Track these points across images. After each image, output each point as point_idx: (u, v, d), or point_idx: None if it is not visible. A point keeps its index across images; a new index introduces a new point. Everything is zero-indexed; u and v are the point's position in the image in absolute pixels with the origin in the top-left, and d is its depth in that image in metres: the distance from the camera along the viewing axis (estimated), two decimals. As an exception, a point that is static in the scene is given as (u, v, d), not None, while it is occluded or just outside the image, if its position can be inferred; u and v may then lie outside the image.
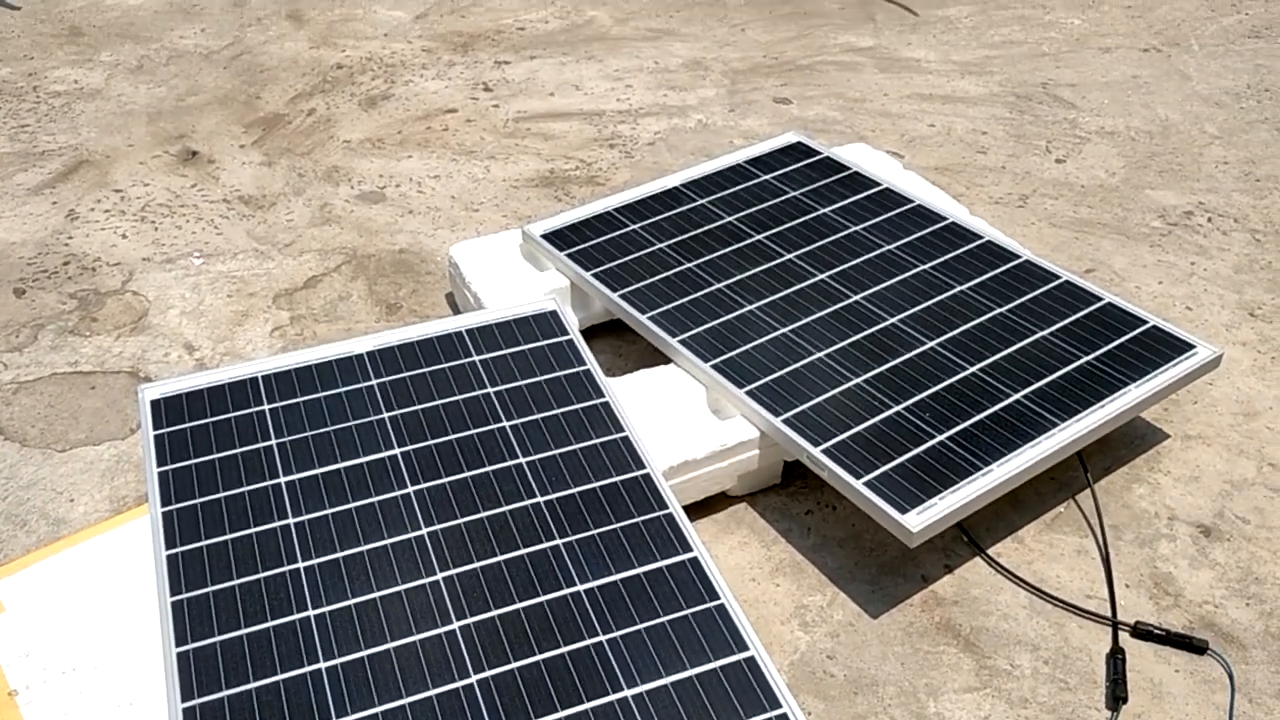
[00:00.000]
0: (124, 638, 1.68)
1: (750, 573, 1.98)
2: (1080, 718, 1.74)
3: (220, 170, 3.17)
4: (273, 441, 1.95)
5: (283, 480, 1.88)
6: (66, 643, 1.67)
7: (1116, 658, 1.82)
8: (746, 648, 1.60)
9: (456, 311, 2.61)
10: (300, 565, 1.73)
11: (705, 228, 2.54)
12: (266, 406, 2.02)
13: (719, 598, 1.67)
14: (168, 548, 1.76)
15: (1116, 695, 1.76)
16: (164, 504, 1.84)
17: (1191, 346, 2.15)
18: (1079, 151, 3.27)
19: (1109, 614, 1.90)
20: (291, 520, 1.81)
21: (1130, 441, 2.25)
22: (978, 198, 3.06)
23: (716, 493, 2.09)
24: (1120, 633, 1.88)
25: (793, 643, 1.86)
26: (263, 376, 2.08)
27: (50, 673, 1.62)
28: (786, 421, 1.99)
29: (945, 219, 2.54)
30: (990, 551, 2.02)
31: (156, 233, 2.90)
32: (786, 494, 2.14)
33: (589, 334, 2.50)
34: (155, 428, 1.98)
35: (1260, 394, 2.38)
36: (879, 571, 1.99)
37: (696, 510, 2.09)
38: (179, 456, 1.92)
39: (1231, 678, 1.81)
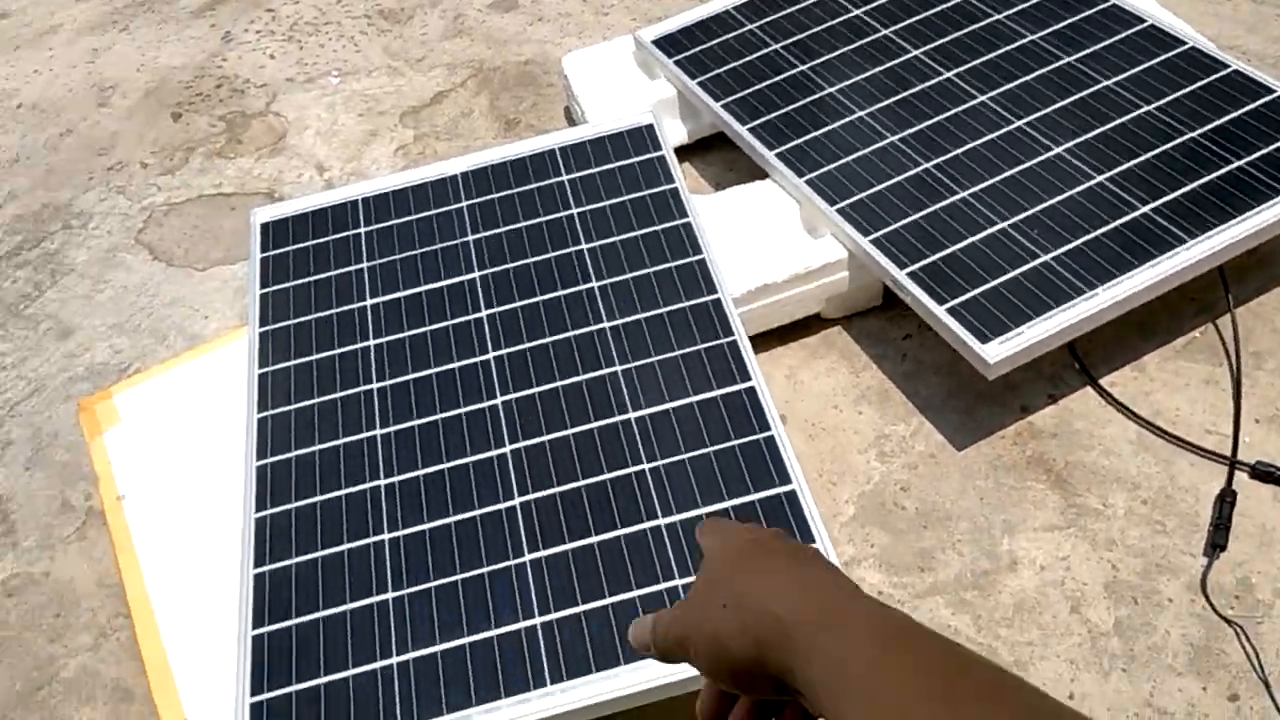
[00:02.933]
0: (222, 451, 1.83)
1: (834, 399, 1.91)
2: (1170, 563, 1.61)
3: (364, -17, 3.18)
4: (365, 264, 2.01)
5: (369, 303, 1.94)
6: (171, 453, 1.83)
7: (1225, 500, 1.65)
8: (789, 481, 1.56)
9: (573, 125, 2.55)
10: (374, 386, 1.81)
11: (828, 24, 2.34)
12: (363, 229, 2.07)
13: (769, 429, 1.63)
14: (259, 367, 1.87)
15: (1215, 542, 1.61)
16: (261, 325, 1.94)
17: (1378, 147, 1.83)
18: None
19: (1228, 452, 1.72)
20: (371, 343, 1.87)
21: (1296, 257, 1.97)
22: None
23: (807, 315, 2.00)
24: (1237, 473, 1.70)
25: (866, 473, 1.79)
26: (364, 199, 2.13)
27: (155, 481, 1.79)
28: (875, 242, 1.86)
29: (1105, 1, 2.22)
30: (1105, 381, 1.85)
31: (301, 52, 2.97)
32: (886, 317, 2.02)
33: (703, 147, 2.40)
34: (262, 250, 2.08)
35: None
36: (974, 401, 1.87)
37: (788, 333, 2.01)
38: (280, 278, 2.02)
39: (1366, 528, 1.61)
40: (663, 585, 1.48)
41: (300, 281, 2.00)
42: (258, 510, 1.66)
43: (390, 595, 1.54)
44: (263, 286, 2.01)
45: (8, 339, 2.31)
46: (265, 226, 2.11)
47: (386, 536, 1.60)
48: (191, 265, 2.40)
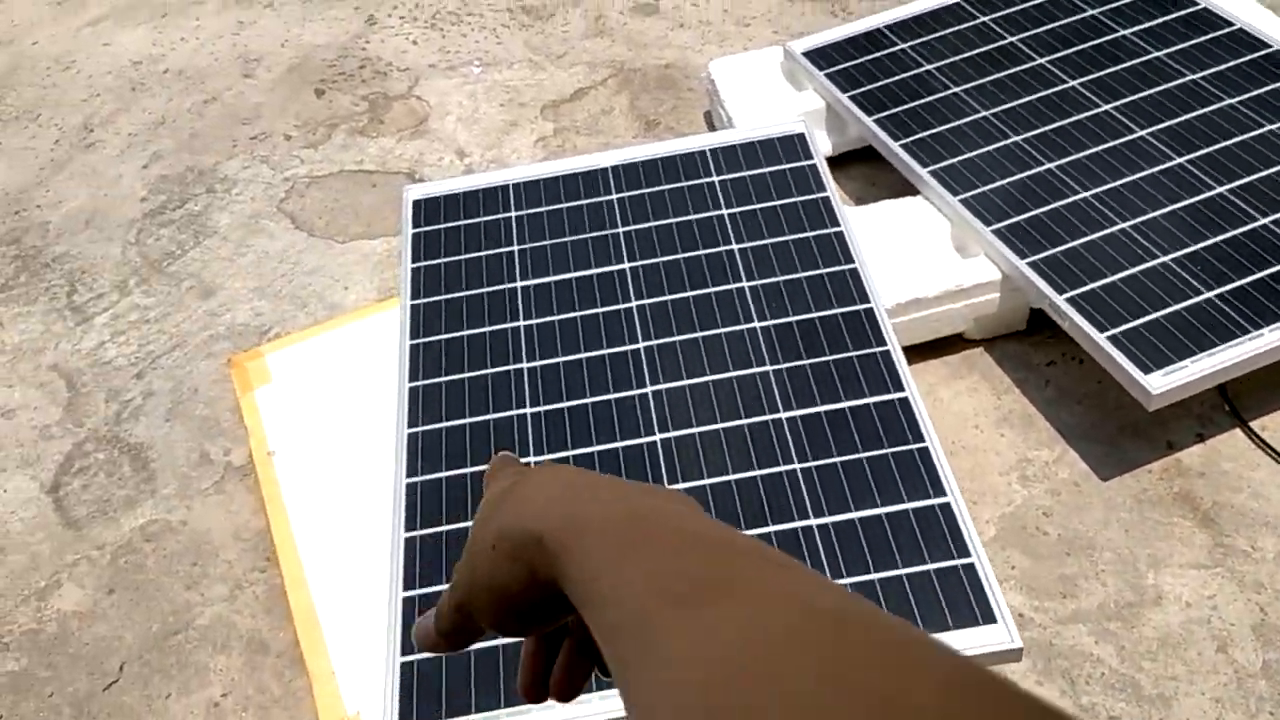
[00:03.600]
0: (370, 416, 1.86)
1: (975, 420, 1.90)
2: (1324, 614, 1.58)
3: (506, -21, 3.24)
4: (515, 248, 2.04)
5: (519, 285, 1.97)
6: (320, 414, 1.87)
7: (1383, 556, 1.62)
8: (944, 493, 1.56)
9: (713, 130, 2.57)
10: (525, 366, 1.83)
11: (982, 49, 2.34)
12: (514, 214, 2.11)
13: (924, 440, 1.62)
14: (412, 339, 1.91)
15: (1373, 596, 1.58)
16: (413, 298, 1.98)
17: None
18: None
19: (1386, 508, 1.69)
20: (522, 323, 1.90)
21: None
22: (1326, 22, 2.62)
23: (951, 334, 1.99)
24: (1395, 530, 1.66)
25: (1008, 495, 1.78)
26: (514, 184, 2.17)
27: (304, 439, 1.83)
28: (1033, 265, 1.85)
29: (1270, 46, 2.20)
30: (1254, 424, 1.83)
31: (444, 40, 3.02)
32: (1029, 342, 2.01)
33: (844, 160, 2.41)
34: (414, 226, 2.12)
35: None
36: (1118, 432, 1.85)
37: (928, 350, 2.01)
38: (432, 254, 2.06)
39: None
40: (814, 584, 1.48)
41: (452, 259, 2.04)
42: (409, 476, 1.69)
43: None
44: (414, 261, 2.05)
45: (151, 294, 2.38)
46: (418, 204, 2.15)
47: (536, 512, 1.62)
48: (332, 237, 2.45)
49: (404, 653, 1.48)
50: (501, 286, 1.97)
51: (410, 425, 1.76)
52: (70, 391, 2.19)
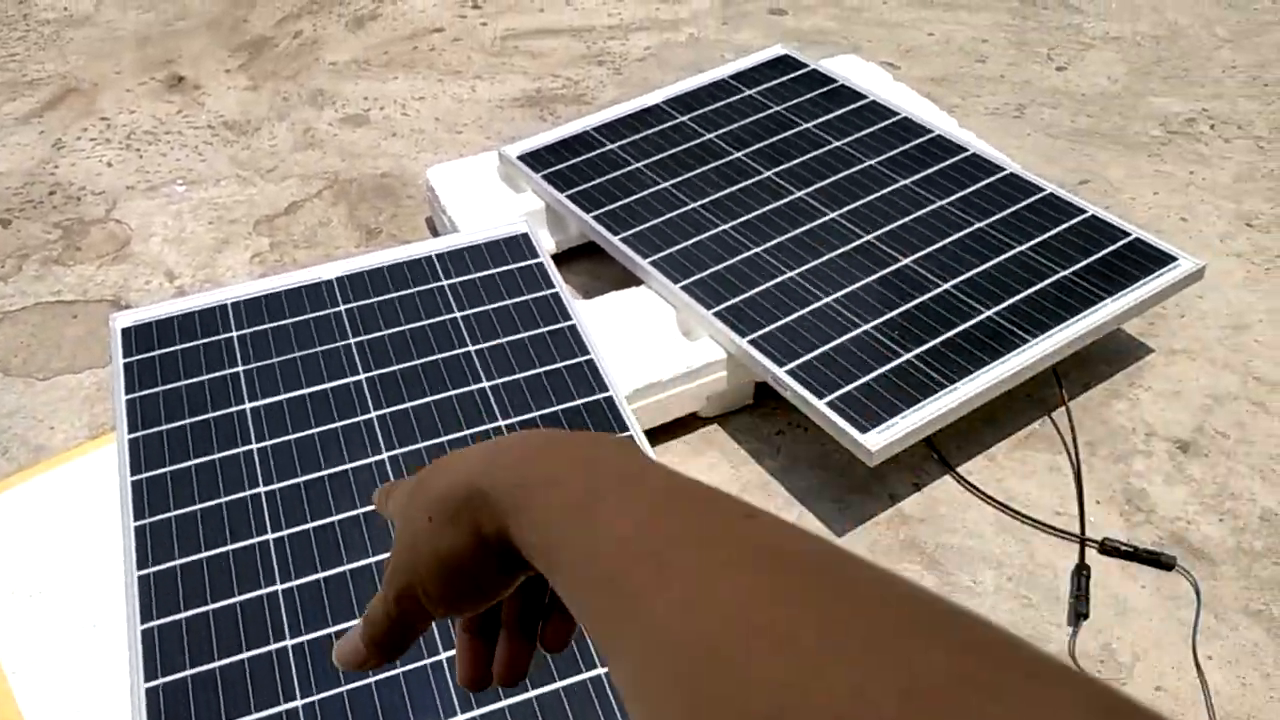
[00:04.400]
0: (91, 562, 1.72)
1: (717, 493, 1.98)
2: (1041, 634, 1.74)
3: (206, 96, 3.15)
4: (239, 368, 1.96)
5: (248, 406, 1.89)
6: (34, 567, 1.71)
7: (1081, 574, 1.81)
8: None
9: (435, 235, 2.59)
10: (262, 490, 1.75)
11: (684, 146, 2.50)
12: (235, 333, 2.03)
13: (673, 519, 1.67)
14: (133, 474, 1.78)
15: (1078, 611, 1.76)
16: (131, 430, 1.86)
17: (1174, 259, 2.10)
18: (1081, 59, 3.17)
19: (1077, 530, 1.89)
20: (255, 446, 1.82)
21: (1112, 356, 2.21)
22: (973, 109, 2.98)
23: (686, 414, 2.08)
24: (1087, 549, 1.87)
25: (755, 562, 1.86)
26: (232, 303, 2.09)
27: (18, 596, 1.66)
28: (753, 342, 1.98)
29: (931, 131, 2.47)
30: (961, 469, 2.01)
31: (141, 160, 2.89)
32: (758, 415, 2.13)
33: (567, 257, 2.48)
34: (125, 355, 2.00)
35: (1250, 306, 2.33)
36: (847, 490, 1.98)
37: (667, 431, 2.08)
38: (148, 384, 1.94)
39: (1198, 593, 1.80)
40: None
41: (170, 386, 1.93)
42: (144, 621, 1.57)
43: (299, 702, 1.48)
44: (129, 391, 1.92)
45: None
46: (128, 331, 2.03)
47: (289, 643, 1.54)
48: (31, 374, 2.27)
49: (153, 817, 1.36)
50: (229, 410, 1.88)
51: (140, 567, 1.64)
52: None
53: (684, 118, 2.59)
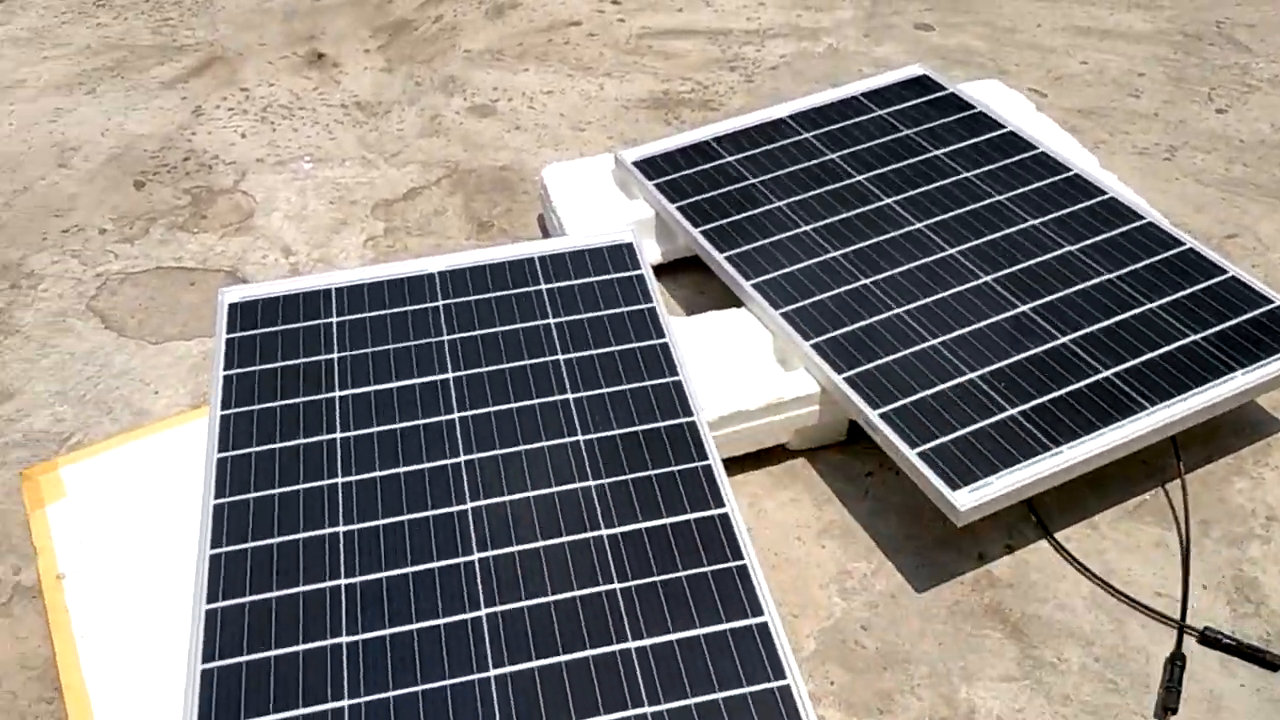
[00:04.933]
0: (171, 535, 1.76)
1: (796, 531, 1.92)
2: (1123, 724, 1.63)
3: (343, 74, 3.21)
4: (334, 355, 1.98)
5: (337, 395, 1.91)
6: (118, 534, 1.75)
7: (1175, 663, 1.69)
8: (761, 613, 1.55)
9: (546, 234, 2.58)
10: (340, 480, 1.76)
11: (805, 164, 2.43)
12: (335, 319, 2.05)
13: (742, 558, 1.62)
14: (219, 451, 1.82)
15: (1167, 705, 1.64)
16: (224, 407, 1.89)
17: (1320, 333, 1.94)
18: (1244, 101, 2.97)
19: (1177, 615, 1.77)
20: (339, 435, 1.84)
21: (1239, 429, 2.06)
22: (1119, 146, 2.82)
23: (773, 445, 2.02)
24: (1186, 637, 1.74)
25: (828, 609, 1.80)
26: (335, 289, 2.11)
27: (99, 561, 1.71)
28: (849, 380, 1.90)
29: (1069, 170, 2.34)
30: (1059, 535, 1.90)
31: (274, 134, 2.96)
32: (850, 452, 2.05)
33: (674, 268, 2.44)
34: (229, 331, 2.04)
35: (1404, 389, 2.14)
36: (933, 544, 1.89)
37: (751, 460, 2.02)
38: (246, 361, 1.98)
39: (1306, 701, 1.66)
40: (630, 711, 1.45)
41: (267, 366, 1.96)
42: (209, 602, 1.59)
43: (346, 702, 1.48)
44: (227, 368, 1.96)
45: (-60, 396, 2.21)
46: (234, 307, 2.08)
47: (345, 640, 1.55)
48: (145, 338, 2.34)
49: (192, 800, 1.38)
50: (318, 396, 1.91)
51: (213, 546, 1.67)
52: None
53: (808, 134, 2.51)
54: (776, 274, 2.13)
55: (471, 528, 1.68)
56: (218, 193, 2.75)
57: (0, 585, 1.87)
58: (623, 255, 2.16)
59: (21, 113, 3.07)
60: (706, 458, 1.77)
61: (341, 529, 1.69)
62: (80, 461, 1.87)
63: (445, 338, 2.00)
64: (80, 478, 1.84)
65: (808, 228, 2.24)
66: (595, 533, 1.67)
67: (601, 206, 2.41)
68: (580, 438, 1.82)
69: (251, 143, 2.93)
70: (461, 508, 1.72)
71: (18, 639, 1.78)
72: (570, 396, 1.88)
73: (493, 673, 1.50)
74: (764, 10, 3.46)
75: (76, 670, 1.57)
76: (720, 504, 1.70)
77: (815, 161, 2.43)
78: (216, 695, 1.49)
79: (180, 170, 2.83)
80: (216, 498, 1.74)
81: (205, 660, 1.52)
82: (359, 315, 2.06)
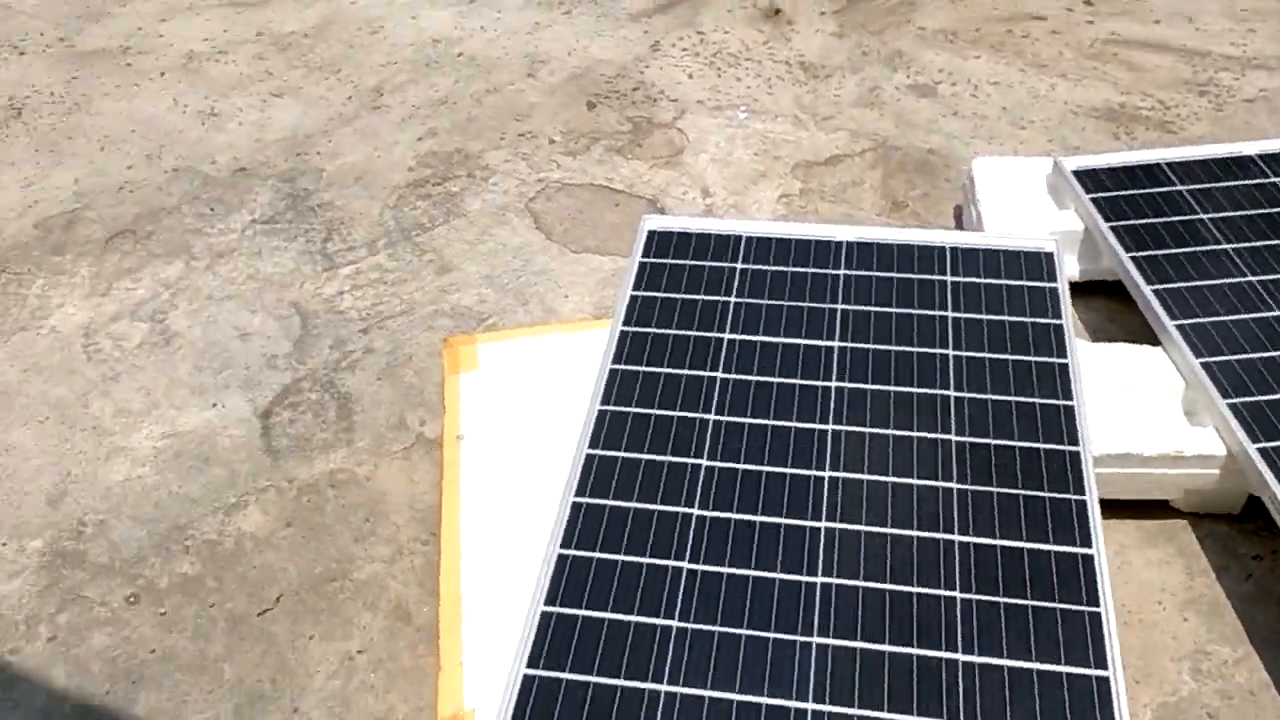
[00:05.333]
0: (557, 427, 1.92)
1: (1159, 595, 1.79)
2: None
3: (794, 33, 3.28)
4: (732, 299, 2.06)
5: (726, 337, 1.99)
6: (514, 413, 1.94)
7: None
8: (1105, 667, 1.48)
9: (959, 226, 2.53)
10: (711, 417, 1.85)
11: (1264, 210, 2.21)
12: (739, 265, 2.13)
13: (1098, 605, 1.54)
14: (613, 364, 1.96)
15: None
16: (625, 324, 2.03)
17: None
18: None
19: None
20: (720, 374, 1.92)
21: None
22: None
23: (1157, 498, 1.89)
24: None
25: (1175, 684, 1.67)
26: (747, 237, 2.19)
27: (494, 432, 1.90)
28: (1264, 452, 1.73)
29: None
30: None
31: (718, 79, 3.09)
32: (1240, 529, 1.88)
33: (1089, 289, 2.31)
34: (643, 255, 2.18)
35: None
36: (1317, 652, 1.70)
37: (1127, 508, 1.90)
38: (653, 286, 2.10)
39: None
40: None
41: (670, 295, 2.08)
42: (577, 495, 1.74)
43: (675, 623, 1.57)
44: (635, 289, 2.10)
45: (395, 259, 2.53)
46: (652, 234, 2.21)
47: (686, 566, 1.64)
48: (567, 244, 2.54)
49: (529, 665, 1.53)
50: (710, 334, 2.00)
51: (590, 447, 1.81)
52: (303, 330, 2.36)
53: (1277, 178, 2.28)
54: (1206, 320, 1.97)
55: (826, 495, 1.71)
56: (656, 125, 2.92)
57: (406, 432, 2.13)
58: (1040, 264, 2.08)
59: (506, 22, 3.39)
60: (1084, 492, 1.69)
61: (705, 462, 1.78)
62: (495, 342, 2.08)
63: (840, 306, 2.03)
64: (493, 355, 2.05)
65: (1254, 278, 2.05)
66: (947, 535, 1.65)
67: (1027, 210, 2.33)
68: (954, 437, 1.79)
69: (696, 84, 3.07)
70: (820, 474, 1.75)
71: (412, 481, 2.03)
72: (953, 394, 1.86)
73: (815, 639, 1.54)
74: (1254, 37, 3.15)
75: (455, 522, 1.77)
76: (1088, 543, 1.62)
77: (1277, 209, 2.20)
78: (566, 580, 1.63)
79: (629, 99, 3.02)
80: (602, 404, 1.88)
81: (563, 546, 1.67)
82: (763, 266, 2.12)
